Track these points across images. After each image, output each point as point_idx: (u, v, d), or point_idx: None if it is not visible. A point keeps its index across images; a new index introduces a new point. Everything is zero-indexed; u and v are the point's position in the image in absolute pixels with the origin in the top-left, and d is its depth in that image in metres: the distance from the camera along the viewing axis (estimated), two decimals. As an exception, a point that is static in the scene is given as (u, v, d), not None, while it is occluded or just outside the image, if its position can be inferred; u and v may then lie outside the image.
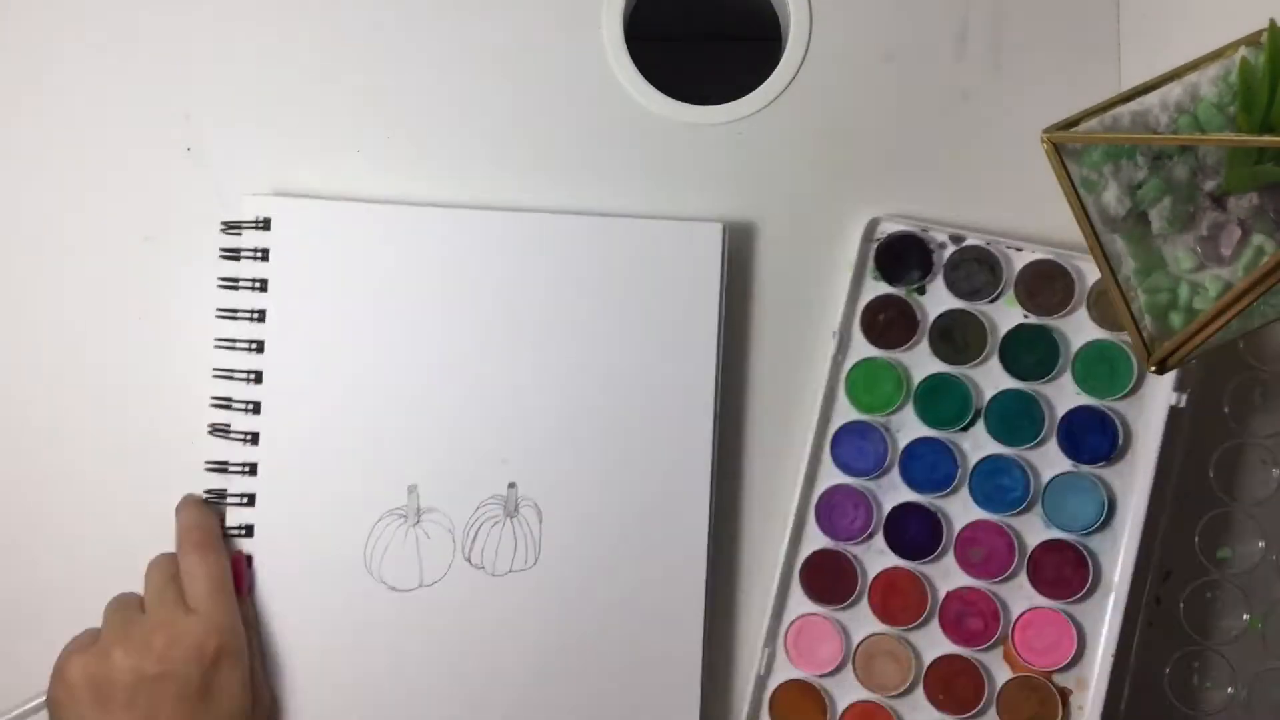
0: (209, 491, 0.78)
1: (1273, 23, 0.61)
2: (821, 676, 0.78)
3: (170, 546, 0.76)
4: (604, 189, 0.82)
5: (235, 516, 0.78)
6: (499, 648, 0.78)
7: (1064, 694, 0.77)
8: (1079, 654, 0.76)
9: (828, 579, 0.78)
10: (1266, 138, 0.61)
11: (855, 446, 0.79)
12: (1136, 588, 0.77)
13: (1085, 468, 0.77)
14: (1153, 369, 0.63)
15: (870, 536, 0.78)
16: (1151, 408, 0.77)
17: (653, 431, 0.79)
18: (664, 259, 0.79)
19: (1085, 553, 0.76)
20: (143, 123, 0.81)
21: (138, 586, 0.76)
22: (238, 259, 0.79)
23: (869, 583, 0.78)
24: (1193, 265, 0.65)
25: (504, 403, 0.79)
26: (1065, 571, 0.77)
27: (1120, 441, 0.77)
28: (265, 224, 0.79)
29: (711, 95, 0.83)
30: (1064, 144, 0.65)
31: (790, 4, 0.83)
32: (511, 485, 0.78)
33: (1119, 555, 0.77)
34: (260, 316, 0.78)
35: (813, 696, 0.78)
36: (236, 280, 0.79)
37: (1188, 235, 0.65)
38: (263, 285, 0.78)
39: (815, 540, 0.79)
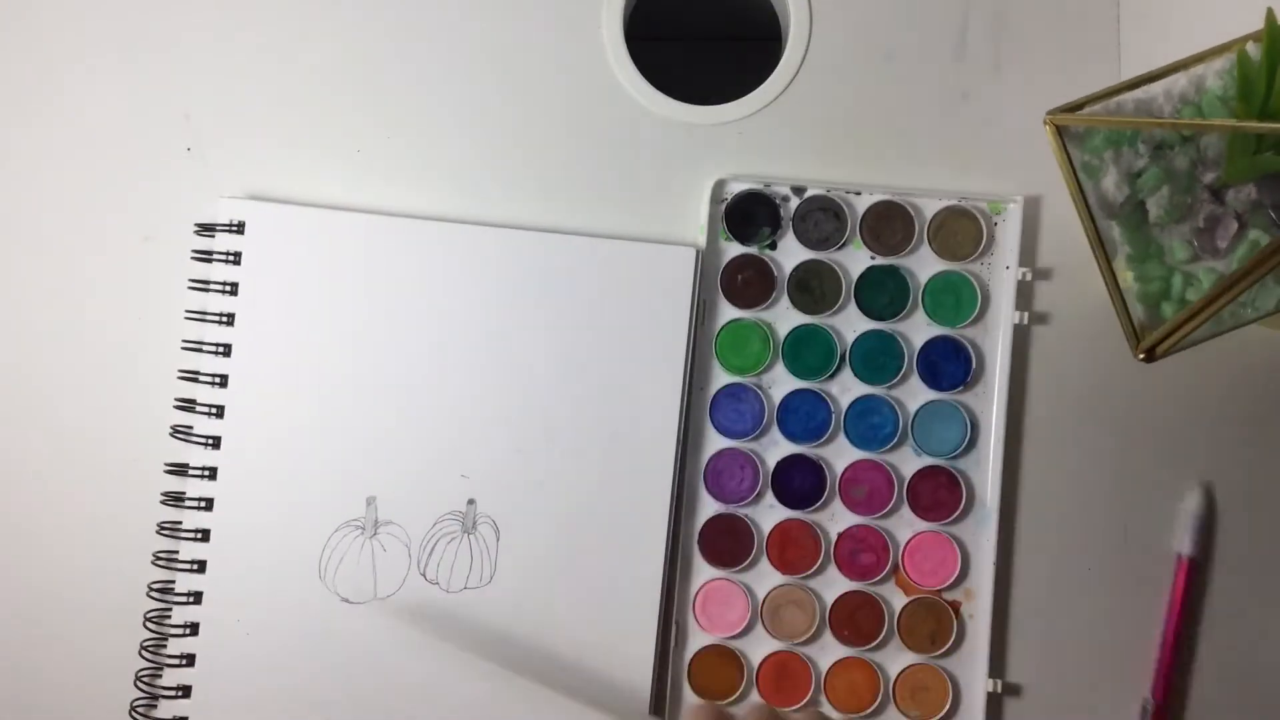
0: (167, 494, 0.79)
1: (1270, 12, 0.64)
2: (733, 638, 0.82)
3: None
4: (602, 189, 0.84)
5: (193, 520, 0.79)
6: (449, 665, 0.78)
7: (955, 607, 0.81)
8: (963, 568, 0.82)
9: (725, 543, 0.82)
10: (1265, 123, 0.64)
11: (732, 409, 0.82)
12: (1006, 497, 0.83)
13: (946, 395, 0.83)
14: (1140, 356, 0.66)
15: (759, 494, 0.82)
16: (997, 329, 0.83)
17: (616, 454, 0.80)
18: (635, 280, 0.81)
19: (956, 475, 0.82)
20: (143, 122, 0.82)
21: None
22: (210, 261, 0.79)
23: (765, 539, 0.82)
24: (1187, 256, 0.67)
25: (468, 418, 0.80)
26: (941, 495, 0.83)
27: (974, 365, 0.83)
28: (239, 227, 0.80)
29: (711, 95, 0.85)
30: (1066, 126, 0.68)
31: (790, 4, 0.85)
32: (471, 502, 0.79)
33: (987, 471, 0.82)
34: (229, 320, 0.79)
35: (728, 658, 0.82)
36: (207, 282, 0.79)
37: (1184, 226, 0.67)
38: (233, 289, 0.79)
39: (708, 507, 0.82)
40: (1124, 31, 0.86)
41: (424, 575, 0.80)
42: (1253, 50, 0.66)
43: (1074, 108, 0.68)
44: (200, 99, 0.83)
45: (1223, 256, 0.67)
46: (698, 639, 0.82)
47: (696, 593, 0.82)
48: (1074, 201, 0.68)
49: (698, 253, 0.81)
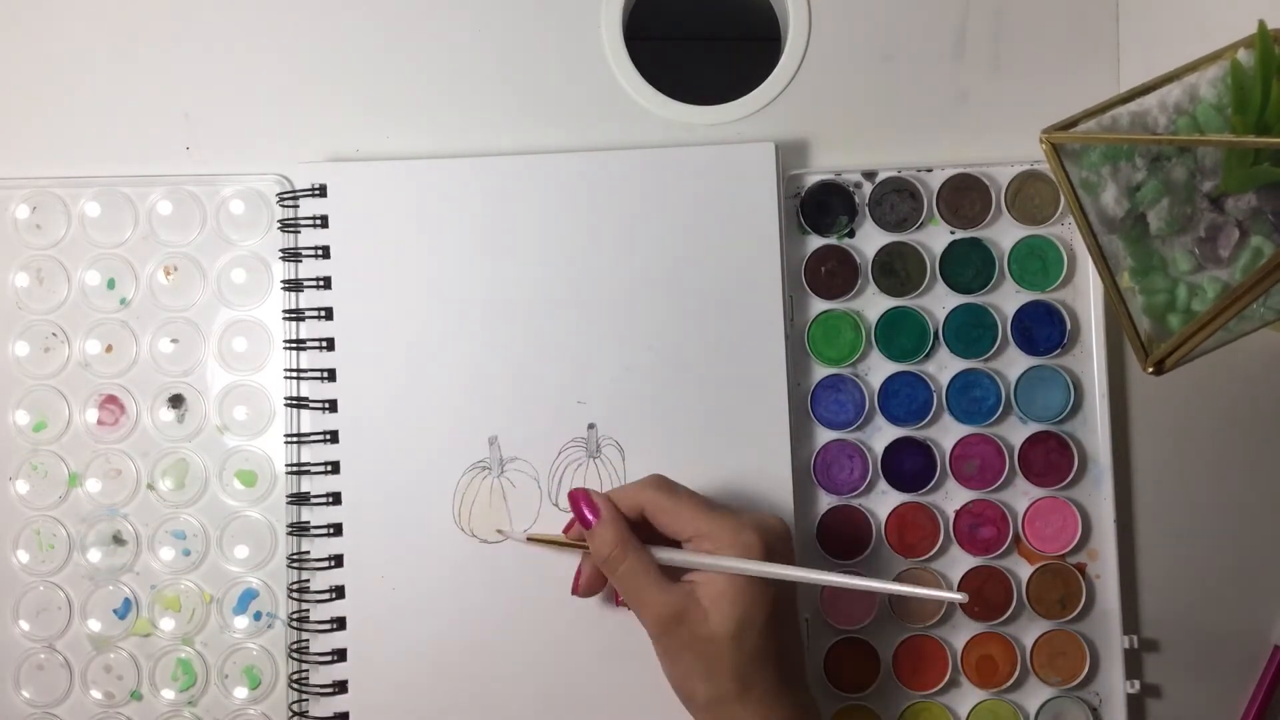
0: (291, 465, 0.87)
1: (1261, 23, 0.68)
2: (864, 629, 0.89)
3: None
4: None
5: (320, 484, 0.86)
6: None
7: (1080, 569, 0.89)
8: (1084, 530, 0.89)
9: (844, 534, 0.89)
10: (1263, 139, 0.68)
11: (833, 401, 0.90)
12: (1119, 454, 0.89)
13: (1045, 360, 0.89)
14: (1150, 370, 0.72)
15: (871, 482, 0.89)
16: (1088, 288, 0.90)
17: (725, 357, 0.87)
18: (718, 185, 0.87)
19: (1065, 438, 0.89)
20: (143, 121, 0.90)
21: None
22: (297, 230, 0.87)
23: (883, 526, 0.89)
24: (1191, 267, 0.72)
25: (574, 345, 0.87)
26: (1052, 460, 0.89)
27: (1069, 327, 0.89)
28: (321, 190, 0.87)
29: (711, 95, 0.91)
30: (1062, 145, 0.73)
31: (790, 4, 0.90)
32: (591, 426, 0.87)
33: (1096, 431, 0.89)
34: (326, 283, 0.87)
35: (862, 649, 0.89)
36: (298, 251, 0.87)
37: (1186, 237, 0.72)
38: (325, 252, 0.87)
39: (821, 501, 0.90)
40: (1123, 30, 0.90)
41: (557, 505, 0.86)
42: (1244, 57, 0.70)
43: (1069, 124, 0.73)
44: (199, 97, 0.90)
45: (1226, 265, 0.71)
46: (829, 633, 0.88)
47: (822, 587, 0.87)
48: (1075, 217, 0.73)
49: (775, 146, 0.87)
